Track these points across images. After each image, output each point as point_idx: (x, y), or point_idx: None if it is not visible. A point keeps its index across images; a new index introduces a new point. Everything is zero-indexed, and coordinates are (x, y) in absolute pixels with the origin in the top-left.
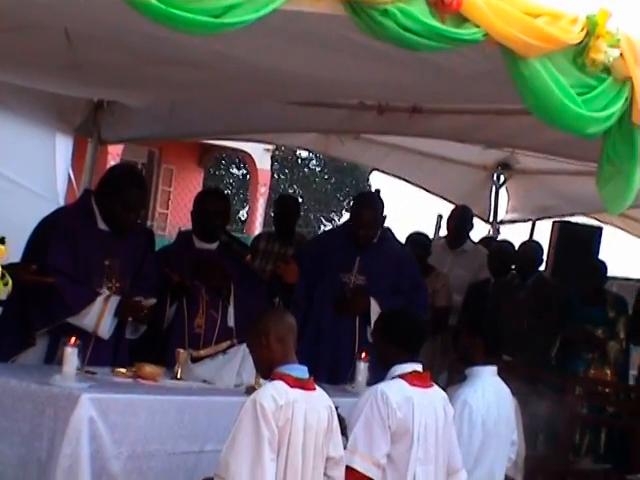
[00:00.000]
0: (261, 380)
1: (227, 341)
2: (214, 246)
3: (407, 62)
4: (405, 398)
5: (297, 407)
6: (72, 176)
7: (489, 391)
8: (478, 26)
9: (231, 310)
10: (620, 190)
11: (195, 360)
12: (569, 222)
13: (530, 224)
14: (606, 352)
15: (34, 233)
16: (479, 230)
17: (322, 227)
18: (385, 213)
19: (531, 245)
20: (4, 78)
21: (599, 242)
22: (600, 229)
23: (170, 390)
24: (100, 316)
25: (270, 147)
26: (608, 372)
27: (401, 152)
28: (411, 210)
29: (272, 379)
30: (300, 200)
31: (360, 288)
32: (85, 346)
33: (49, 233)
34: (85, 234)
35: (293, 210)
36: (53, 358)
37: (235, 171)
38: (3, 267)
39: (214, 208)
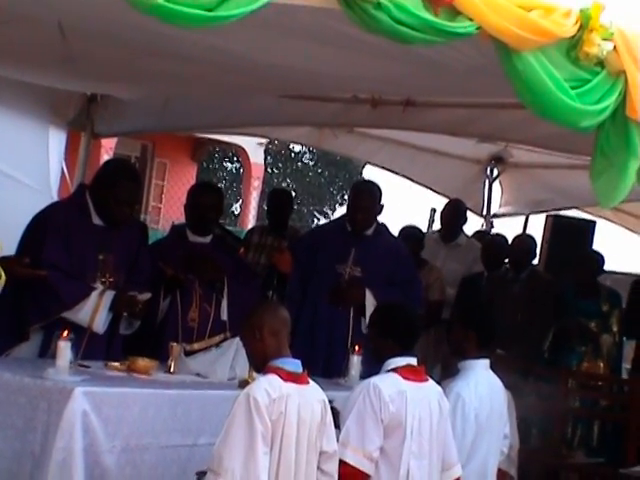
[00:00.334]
0: (254, 374)
1: (220, 335)
2: (208, 240)
3: (400, 56)
4: (398, 392)
5: (290, 401)
6: (65, 170)
7: (482, 384)
8: (471, 19)
9: (224, 304)
10: (613, 183)
11: (188, 354)
12: (562, 216)
13: (523, 218)
14: (599, 345)
15: (28, 228)
16: (472, 224)
17: (315, 221)
18: (382, 203)
19: (524, 239)
20: None
21: (592, 236)
22: (593, 223)
23: (163, 384)
24: (95, 311)
25: (263, 141)
26: (601, 365)
27: (394, 146)
28: (404, 204)
29: (265, 373)
30: (293, 194)
31: (355, 279)
32: (79, 340)
33: (43, 228)
34: (79, 229)
35: (286, 204)
36: (47, 352)
37: (228, 165)
38: None
39: (208, 202)
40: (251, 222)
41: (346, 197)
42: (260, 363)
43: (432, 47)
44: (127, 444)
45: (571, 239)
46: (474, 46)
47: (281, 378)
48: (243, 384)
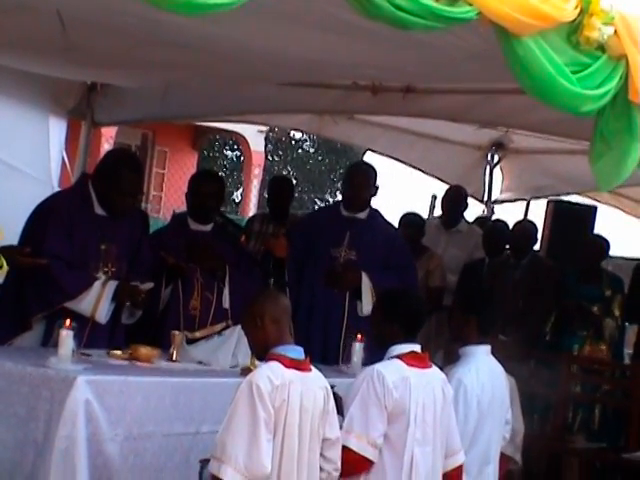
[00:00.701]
0: (256, 361)
1: (222, 323)
2: (209, 228)
3: (400, 42)
4: (402, 378)
5: (293, 388)
6: (66, 159)
7: (483, 370)
8: (471, 4)
9: (226, 292)
10: (612, 167)
11: (190, 342)
12: (564, 201)
13: (524, 204)
14: (601, 329)
15: (31, 218)
16: (473, 210)
17: (316, 208)
18: (377, 184)
19: (525, 225)
20: None
21: (594, 221)
22: (595, 208)
23: (166, 372)
24: (97, 301)
25: (264, 129)
26: (604, 348)
27: (395, 132)
28: (405, 190)
29: (268, 360)
30: (294, 181)
31: (351, 262)
32: (81, 330)
33: (46, 218)
34: (82, 219)
35: (287, 191)
36: (49, 341)
37: (229, 153)
38: None
39: (208, 190)
40: (252, 210)
41: None
42: (262, 351)
43: (432, 33)
44: (130, 432)
45: (572, 224)
46: (474, 31)
47: (283, 365)
48: (245, 372)
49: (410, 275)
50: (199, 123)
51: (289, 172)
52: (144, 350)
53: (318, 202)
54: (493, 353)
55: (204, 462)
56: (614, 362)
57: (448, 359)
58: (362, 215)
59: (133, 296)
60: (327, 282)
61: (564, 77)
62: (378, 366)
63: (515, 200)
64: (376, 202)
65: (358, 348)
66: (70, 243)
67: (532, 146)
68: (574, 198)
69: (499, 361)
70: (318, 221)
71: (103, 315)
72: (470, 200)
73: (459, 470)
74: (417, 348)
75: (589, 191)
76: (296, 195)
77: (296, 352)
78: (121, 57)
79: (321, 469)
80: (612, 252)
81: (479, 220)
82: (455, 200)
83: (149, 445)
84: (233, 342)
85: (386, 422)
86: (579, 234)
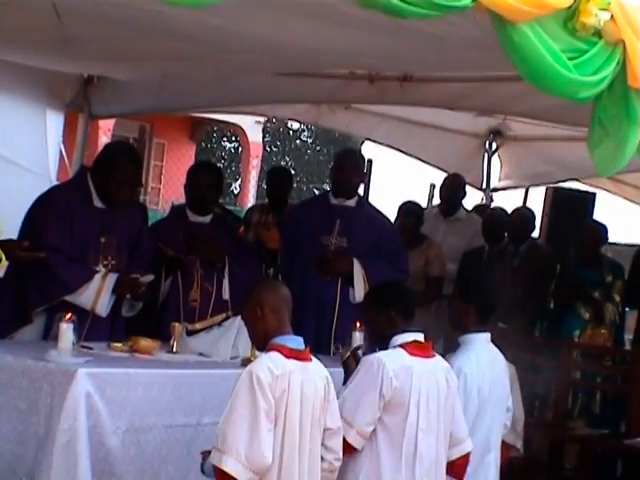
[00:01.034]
0: (257, 352)
1: (222, 314)
2: (207, 219)
3: (396, 30)
4: (403, 367)
5: (293, 378)
6: (64, 152)
7: (483, 358)
8: None
9: (226, 283)
10: (610, 153)
11: (190, 333)
12: (562, 188)
13: (523, 191)
14: (602, 314)
15: (30, 212)
16: (472, 198)
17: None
18: (365, 171)
19: (522, 212)
20: None
21: (593, 208)
22: (594, 195)
23: (166, 364)
24: (98, 294)
25: (261, 119)
26: (604, 332)
27: (393, 121)
28: (403, 179)
29: (268, 351)
30: (292, 172)
31: (342, 249)
32: (82, 323)
33: (45, 212)
34: (81, 212)
35: (286, 182)
36: (50, 335)
37: (227, 144)
38: None
39: (207, 181)
40: (250, 201)
41: None
42: (262, 341)
43: (428, 21)
44: (131, 425)
45: (571, 211)
46: (470, 19)
47: (283, 355)
48: (246, 362)
49: (401, 261)
50: (196, 115)
51: (287, 162)
52: (144, 342)
53: (316, 192)
54: (493, 341)
55: (206, 454)
56: (615, 348)
57: (449, 347)
58: (351, 203)
59: (133, 289)
60: (318, 270)
61: (561, 64)
62: (380, 354)
63: (514, 187)
64: (375, 191)
65: (358, 337)
66: (70, 236)
67: (530, 133)
68: (573, 185)
69: (499, 349)
70: (307, 210)
71: (103, 308)
72: (469, 188)
73: (466, 458)
74: (420, 337)
75: (588, 177)
76: (294, 185)
77: (296, 342)
78: (118, 49)
79: (322, 459)
80: (612, 238)
81: (478, 208)
82: (453, 188)
83: (150, 437)
84: (233, 333)
85: (379, 411)
86: (578, 221)
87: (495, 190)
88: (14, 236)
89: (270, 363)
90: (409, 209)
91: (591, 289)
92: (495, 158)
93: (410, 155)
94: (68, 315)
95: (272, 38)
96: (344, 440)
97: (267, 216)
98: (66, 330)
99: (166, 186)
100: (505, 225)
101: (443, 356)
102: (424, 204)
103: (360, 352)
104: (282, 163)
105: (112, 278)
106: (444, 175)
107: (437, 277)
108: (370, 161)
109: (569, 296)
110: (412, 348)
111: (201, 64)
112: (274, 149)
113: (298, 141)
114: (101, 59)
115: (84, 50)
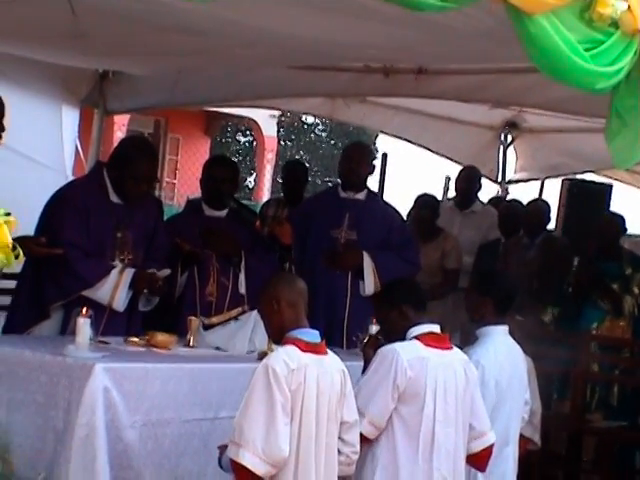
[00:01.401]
0: (273, 346)
1: (238, 308)
2: (223, 214)
3: (412, 23)
4: (418, 358)
5: (309, 371)
6: (79, 147)
7: (501, 351)
8: None
9: (242, 277)
10: (628, 144)
11: (207, 328)
12: (579, 180)
13: (539, 183)
14: (621, 305)
15: (46, 208)
16: (488, 190)
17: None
18: (374, 164)
19: (537, 204)
20: (9, 50)
21: (609, 199)
22: (610, 186)
23: (183, 358)
24: (115, 289)
25: (276, 113)
26: (623, 324)
27: (407, 114)
28: (419, 172)
29: (284, 344)
30: (307, 165)
31: (351, 243)
32: (99, 318)
33: (62, 208)
34: (97, 207)
35: (301, 176)
36: (67, 330)
37: (241, 138)
38: (13, 239)
39: (223, 175)
40: (265, 195)
41: None
42: (278, 335)
43: (444, 13)
44: (148, 419)
45: (588, 203)
46: (485, 10)
47: (299, 349)
48: (262, 356)
49: (411, 253)
50: (211, 109)
51: (302, 156)
52: (161, 337)
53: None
54: (511, 333)
55: (222, 448)
56: (633, 340)
57: (465, 340)
58: (360, 196)
59: (150, 283)
60: (328, 263)
61: (577, 54)
62: (395, 345)
63: (529, 180)
64: (389, 184)
65: (374, 330)
66: (86, 231)
67: (546, 125)
68: (589, 177)
69: (517, 341)
70: (317, 204)
71: (120, 303)
72: (484, 181)
73: (489, 450)
74: (436, 329)
75: (605, 169)
76: (309, 179)
77: (312, 335)
78: (133, 44)
79: (339, 452)
80: (630, 230)
81: (493, 200)
82: (469, 181)
83: (168, 431)
84: (250, 327)
85: (393, 402)
86: (594, 213)
87: (511, 182)
88: (31, 232)
89: (286, 356)
90: (425, 202)
91: (610, 281)
92: (510, 150)
93: (425, 148)
94: (85, 310)
95: (287, 31)
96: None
97: (282, 210)
98: (83, 325)
99: (181, 181)
100: (521, 217)
101: (460, 349)
102: (439, 197)
103: (381, 338)
104: (297, 157)
105: (129, 273)
106: (459, 168)
107: (453, 270)
108: (385, 155)
109: (587, 288)
110: (427, 339)
111: (216, 58)
112: (288, 143)
113: (312, 135)
114: (116, 54)
115: (99, 45)
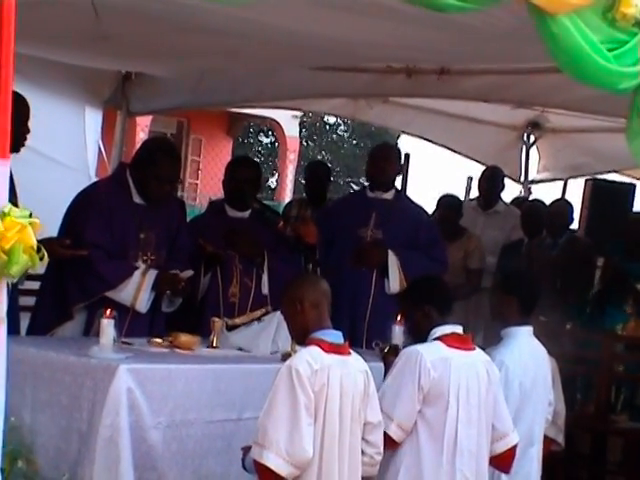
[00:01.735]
0: (297, 346)
1: (262, 309)
2: (246, 214)
3: (434, 23)
4: (441, 358)
5: (332, 372)
6: (102, 148)
7: (525, 352)
8: None
9: (265, 278)
10: None
11: (230, 328)
12: (601, 180)
13: (562, 183)
14: None
15: (70, 209)
16: (511, 191)
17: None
18: (401, 164)
19: (560, 204)
20: (32, 52)
21: (632, 199)
22: (633, 186)
23: (206, 359)
24: (138, 290)
25: (298, 114)
26: None
27: (430, 114)
28: (441, 173)
29: (307, 345)
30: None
31: (377, 241)
32: (122, 319)
33: (85, 209)
34: (121, 208)
35: (324, 176)
36: (91, 331)
37: (264, 139)
38: (37, 241)
39: (245, 176)
40: (288, 196)
41: None
42: (301, 335)
43: (466, 13)
44: (172, 420)
45: (611, 203)
46: (509, 11)
47: (322, 349)
48: (286, 357)
49: (438, 251)
50: (233, 110)
51: (324, 157)
52: (184, 337)
53: (353, 186)
54: (535, 334)
55: (246, 449)
56: None
57: (488, 341)
58: (388, 196)
59: (173, 284)
60: (354, 260)
61: (600, 55)
62: (418, 346)
63: (552, 180)
64: (412, 185)
65: (398, 331)
66: (110, 232)
67: (568, 125)
68: (612, 176)
69: (541, 342)
70: (344, 204)
71: (144, 304)
72: (507, 181)
73: (512, 451)
74: (458, 329)
75: (628, 169)
76: (331, 179)
77: (335, 336)
78: (155, 45)
79: (363, 453)
80: None
81: (516, 201)
82: (492, 181)
83: (192, 432)
84: (273, 328)
85: (418, 404)
86: (617, 213)
87: (533, 182)
88: (54, 232)
89: (309, 357)
90: (448, 202)
91: (635, 281)
92: (533, 150)
93: (447, 148)
94: (109, 311)
95: (309, 32)
96: (385, 433)
97: (305, 211)
98: (107, 326)
99: (203, 181)
100: (544, 218)
101: (483, 349)
102: (462, 197)
103: (400, 347)
104: (319, 157)
105: (152, 274)
106: (482, 168)
107: (476, 270)
108: (407, 155)
109: (612, 289)
110: (450, 340)
111: (238, 59)
112: (311, 144)
113: (335, 135)
114: (138, 55)
115: (121, 46)
